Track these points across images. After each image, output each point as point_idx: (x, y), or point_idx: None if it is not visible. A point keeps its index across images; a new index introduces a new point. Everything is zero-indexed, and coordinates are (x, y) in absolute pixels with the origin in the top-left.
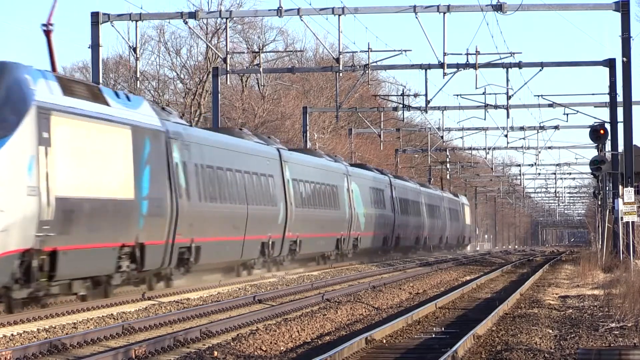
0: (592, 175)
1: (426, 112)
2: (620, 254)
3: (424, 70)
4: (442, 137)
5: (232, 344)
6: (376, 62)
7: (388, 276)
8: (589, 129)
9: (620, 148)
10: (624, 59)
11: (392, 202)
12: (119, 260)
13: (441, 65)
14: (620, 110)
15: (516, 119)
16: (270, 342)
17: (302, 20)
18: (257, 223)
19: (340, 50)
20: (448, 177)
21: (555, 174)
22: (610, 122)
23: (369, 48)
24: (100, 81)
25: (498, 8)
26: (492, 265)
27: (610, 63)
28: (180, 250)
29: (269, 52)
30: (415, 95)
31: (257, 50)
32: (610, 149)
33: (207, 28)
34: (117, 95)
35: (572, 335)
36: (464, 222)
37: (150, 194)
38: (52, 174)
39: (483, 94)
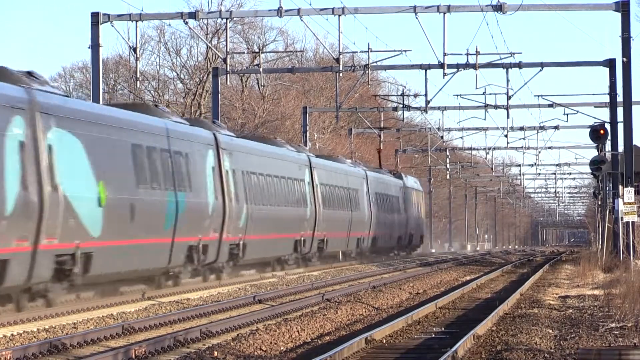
0: (592, 175)
1: (426, 112)
2: (620, 254)
3: (424, 70)
4: (442, 137)
5: (232, 344)
6: (376, 62)
7: (388, 276)
8: (589, 129)
9: (620, 148)
10: (624, 59)
11: (221, 181)
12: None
13: (441, 66)
14: (620, 110)
15: (516, 119)
16: (270, 342)
17: (302, 20)
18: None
19: (340, 51)
20: (448, 177)
21: (555, 174)
22: (610, 122)
23: (369, 48)
24: (100, 81)
25: (498, 8)
26: (492, 265)
27: (610, 63)
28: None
29: (269, 52)
30: (415, 96)
31: (257, 50)
32: (610, 149)
33: (207, 28)
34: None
35: (572, 335)
36: (412, 214)
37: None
38: None
39: (483, 94)
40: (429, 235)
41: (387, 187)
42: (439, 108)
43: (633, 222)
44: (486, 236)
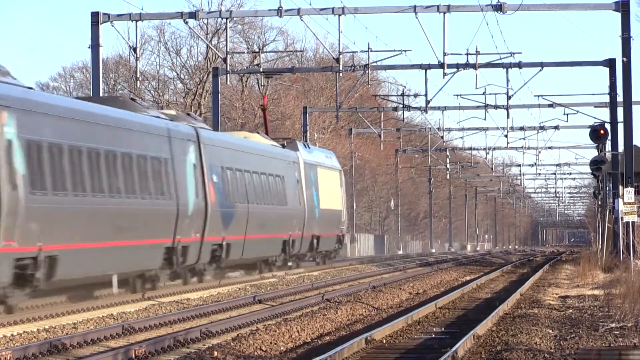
0: (592, 175)
1: (426, 112)
2: (620, 254)
3: (424, 70)
4: (442, 137)
5: (232, 344)
6: (376, 62)
7: (388, 276)
8: (589, 129)
9: (620, 148)
10: (624, 59)
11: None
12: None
13: (441, 65)
14: (620, 110)
15: (516, 119)
16: (270, 342)
17: (302, 20)
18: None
19: (340, 50)
20: (448, 177)
21: (555, 174)
22: (610, 122)
23: (369, 48)
24: (100, 81)
25: (498, 8)
26: (492, 266)
27: (610, 63)
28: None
29: (269, 52)
30: (415, 95)
31: (257, 50)
32: (610, 149)
33: (207, 28)
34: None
35: (572, 335)
36: (316, 205)
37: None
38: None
39: (483, 94)
40: (428, 235)
41: (257, 161)
42: (439, 108)
43: (633, 222)
44: (486, 236)
